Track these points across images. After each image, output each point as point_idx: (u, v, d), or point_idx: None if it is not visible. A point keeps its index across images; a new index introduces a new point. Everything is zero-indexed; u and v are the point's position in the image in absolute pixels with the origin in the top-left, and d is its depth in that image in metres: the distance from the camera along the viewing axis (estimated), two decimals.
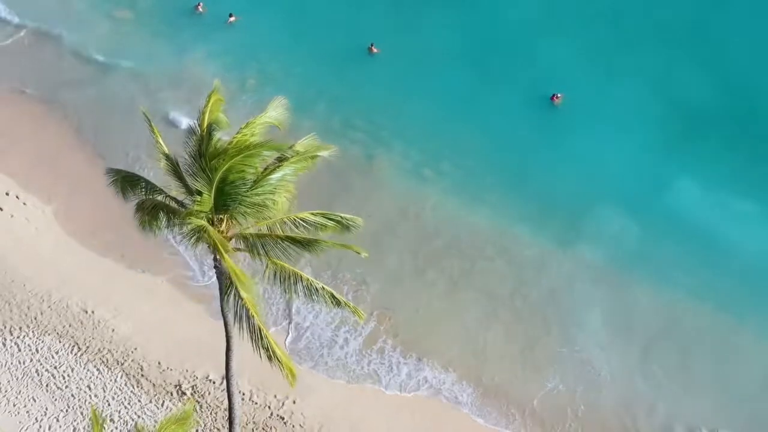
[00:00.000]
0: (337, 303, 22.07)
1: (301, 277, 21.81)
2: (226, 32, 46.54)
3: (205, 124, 21.49)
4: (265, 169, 21.38)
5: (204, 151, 21.22)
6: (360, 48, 44.60)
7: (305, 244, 21.73)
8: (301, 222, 22.05)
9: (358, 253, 22.32)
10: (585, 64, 43.01)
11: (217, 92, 22.07)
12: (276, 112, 22.63)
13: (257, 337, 21.02)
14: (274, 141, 21.57)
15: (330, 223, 22.23)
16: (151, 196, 22.41)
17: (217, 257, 21.74)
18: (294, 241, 21.76)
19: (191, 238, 20.95)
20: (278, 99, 22.95)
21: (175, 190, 22.31)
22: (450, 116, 41.42)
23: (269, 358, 21.11)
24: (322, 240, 21.89)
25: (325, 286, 22.03)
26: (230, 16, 46.87)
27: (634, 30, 45.02)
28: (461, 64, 43.86)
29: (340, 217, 22.39)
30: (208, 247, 21.28)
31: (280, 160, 21.70)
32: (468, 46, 44.81)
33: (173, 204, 22.15)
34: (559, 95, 41.38)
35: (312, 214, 22.27)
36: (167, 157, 22.29)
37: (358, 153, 39.54)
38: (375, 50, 44.29)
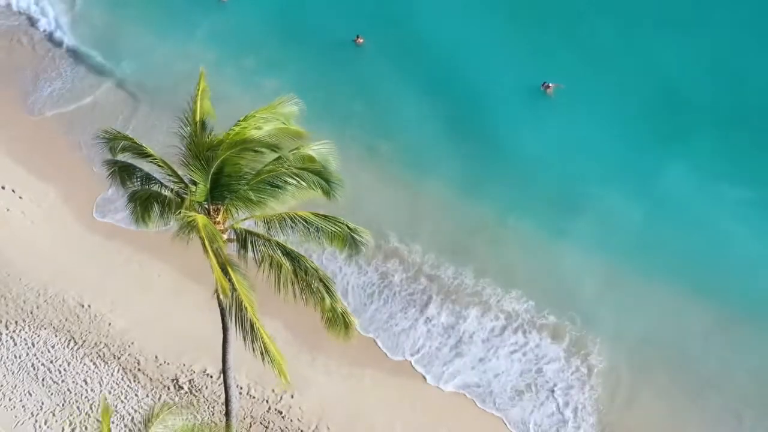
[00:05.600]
0: (334, 312, 20.81)
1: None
2: (219, 10, 46.60)
3: (198, 115, 21.12)
4: (263, 171, 20.85)
5: (198, 141, 20.91)
6: (346, 36, 44.22)
7: (294, 257, 20.77)
8: (301, 221, 20.99)
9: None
10: (576, 53, 42.43)
11: (204, 80, 21.51)
12: (285, 109, 21.82)
13: (249, 331, 20.28)
14: (270, 139, 20.97)
15: (332, 228, 20.89)
16: (147, 187, 22.09)
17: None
18: (286, 249, 20.85)
19: (185, 230, 20.37)
20: (286, 98, 22.00)
21: (171, 180, 22.01)
22: (439, 107, 41.03)
23: (262, 355, 20.34)
24: (309, 261, 20.79)
25: (321, 288, 20.75)
26: None
27: (626, 18, 44.47)
28: (450, 54, 43.26)
29: (347, 225, 21.03)
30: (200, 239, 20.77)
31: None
32: (456, 35, 44.23)
33: (168, 194, 21.67)
34: (550, 84, 40.96)
35: (315, 215, 21.11)
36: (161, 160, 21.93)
37: (345, 145, 38.77)
38: (360, 41, 43.95)
